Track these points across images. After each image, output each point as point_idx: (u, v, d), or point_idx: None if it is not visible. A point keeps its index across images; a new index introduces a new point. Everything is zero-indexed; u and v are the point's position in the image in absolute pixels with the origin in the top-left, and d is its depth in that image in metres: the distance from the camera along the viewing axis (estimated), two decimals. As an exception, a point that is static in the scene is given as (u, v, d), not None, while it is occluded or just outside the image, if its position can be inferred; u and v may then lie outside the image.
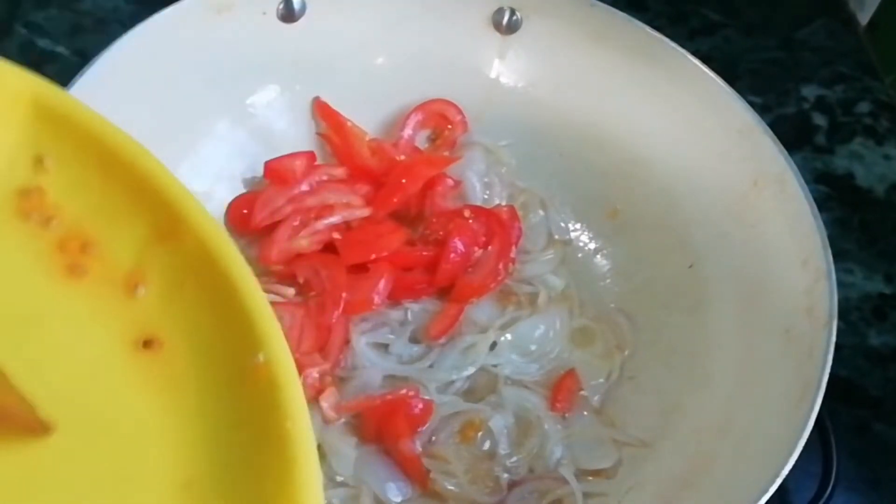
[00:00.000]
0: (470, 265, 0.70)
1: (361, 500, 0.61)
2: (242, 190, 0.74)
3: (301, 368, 0.64)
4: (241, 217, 0.71)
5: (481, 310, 0.70)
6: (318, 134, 0.76)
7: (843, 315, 0.70)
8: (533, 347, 0.69)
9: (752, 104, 0.67)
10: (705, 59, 0.69)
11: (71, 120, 0.38)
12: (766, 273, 0.65)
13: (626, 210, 0.74)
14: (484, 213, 0.72)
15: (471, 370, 0.67)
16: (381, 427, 0.63)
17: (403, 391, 0.64)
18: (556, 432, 0.65)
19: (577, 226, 0.76)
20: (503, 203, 0.76)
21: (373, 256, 0.68)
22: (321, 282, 0.67)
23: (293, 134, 0.76)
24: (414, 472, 0.63)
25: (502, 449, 0.64)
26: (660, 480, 0.62)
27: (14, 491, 0.33)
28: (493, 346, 0.68)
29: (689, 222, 0.71)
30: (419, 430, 0.63)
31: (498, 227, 0.72)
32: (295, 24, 0.73)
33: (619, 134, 0.74)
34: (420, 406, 0.63)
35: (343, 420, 0.64)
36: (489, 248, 0.71)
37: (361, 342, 0.67)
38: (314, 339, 0.66)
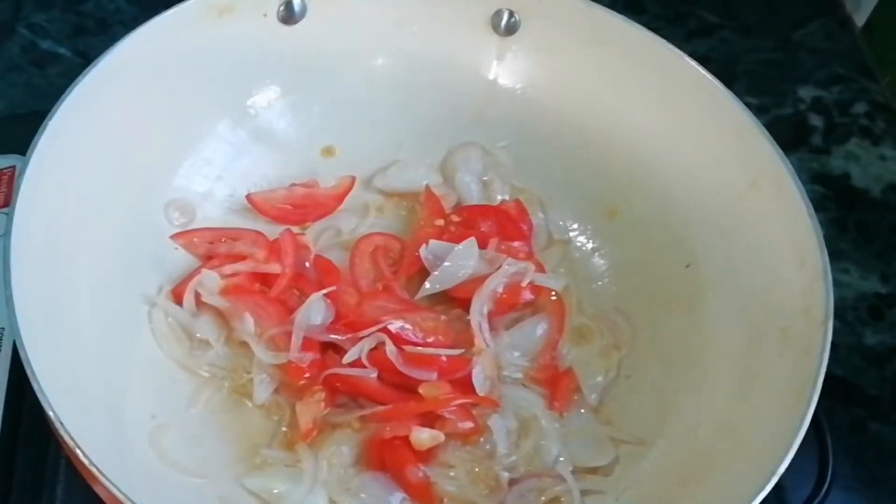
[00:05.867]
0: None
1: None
2: (243, 190, 0.74)
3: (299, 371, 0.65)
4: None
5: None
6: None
7: (839, 314, 0.70)
8: (532, 346, 0.69)
9: (749, 105, 0.68)
10: (703, 61, 0.70)
11: None
12: (763, 273, 0.65)
13: (623, 210, 0.75)
14: (492, 211, 0.73)
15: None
16: (386, 456, 0.62)
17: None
18: (553, 430, 0.65)
19: (576, 226, 0.76)
20: (507, 198, 0.76)
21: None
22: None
23: (293, 134, 0.76)
24: (423, 498, 0.62)
25: (502, 448, 0.64)
26: (656, 478, 0.62)
27: None
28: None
29: (686, 222, 0.71)
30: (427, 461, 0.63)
31: (507, 221, 0.72)
32: (295, 25, 0.73)
33: (616, 135, 0.74)
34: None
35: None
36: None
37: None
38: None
